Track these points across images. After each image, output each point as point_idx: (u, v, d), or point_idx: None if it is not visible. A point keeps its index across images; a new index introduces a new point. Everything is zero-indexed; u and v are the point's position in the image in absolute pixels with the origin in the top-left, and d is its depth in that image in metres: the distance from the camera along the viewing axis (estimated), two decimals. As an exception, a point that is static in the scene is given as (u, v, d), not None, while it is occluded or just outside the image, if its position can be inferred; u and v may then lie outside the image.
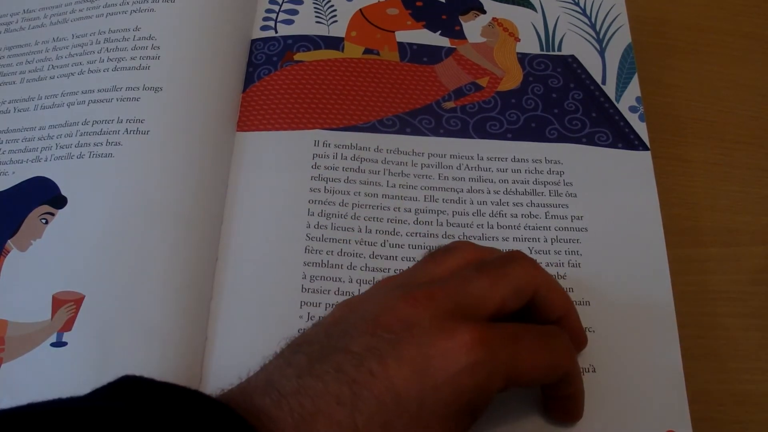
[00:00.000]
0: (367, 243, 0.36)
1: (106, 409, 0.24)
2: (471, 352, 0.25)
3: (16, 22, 0.43)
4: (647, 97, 0.42)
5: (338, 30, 0.43)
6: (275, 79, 0.41)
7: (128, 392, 0.25)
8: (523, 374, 0.27)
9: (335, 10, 0.43)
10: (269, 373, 0.27)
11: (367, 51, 0.42)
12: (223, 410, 0.24)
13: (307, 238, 0.36)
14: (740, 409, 0.35)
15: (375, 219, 0.36)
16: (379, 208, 0.37)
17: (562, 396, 0.30)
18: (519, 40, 0.43)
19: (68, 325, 0.32)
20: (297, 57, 0.41)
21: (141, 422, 0.23)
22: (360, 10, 0.43)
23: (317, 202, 0.37)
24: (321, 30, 0.43)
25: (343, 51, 0.42)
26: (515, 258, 0.30)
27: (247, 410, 0.25)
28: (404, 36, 0.43)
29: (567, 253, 0.36)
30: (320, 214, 0.36)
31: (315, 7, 0.43)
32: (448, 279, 0.28)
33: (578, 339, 0.32)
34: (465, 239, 0.36)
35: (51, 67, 0.40)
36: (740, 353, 0.36)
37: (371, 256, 0.35)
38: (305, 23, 0.43)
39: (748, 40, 0.47)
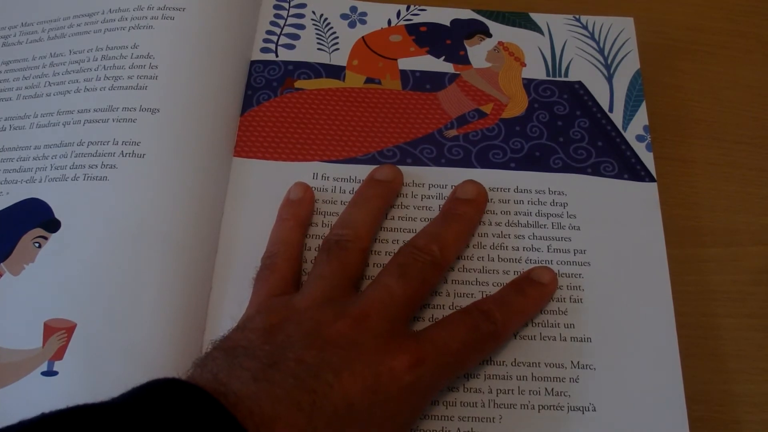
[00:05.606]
0: (366, 278, 0.35)
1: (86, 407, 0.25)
2: (413, 371, 0.29)
3: (14, 36, 0.42)
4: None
5: (339, 58, 0.42)
6: (275, 106, 0.40)
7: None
8: (464, 368, 0.32)
9: (337, 37, 0.42)
10: (215, 373, 0.27)
11: (369, 80, 0.41)
12: (201, 395, 0.25)
13: (305, 273, 0.35)
14: (740, 409, 0.35)
15: (374, 252, 0.36)
16: (378, 241, 0.36)
17: None
18: (525, 65, 0.42)
19: (59, 354, 0.32)
20: (297, 84, 0.40)
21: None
22: (362, 37, 0.42)
23: (314, 236, 0.36)
24: (322, 57, 0.42)
25: (344, 80, 0.41)
26: (415, 253, 0.33)
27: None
28: (407, 63, 0.42)
29: (569, 288, 0.35)
30: (317, 249, 0.35)
31: (317, 33, 0.42)
32: (372, 292, 0.31)
33: None
34: (465, 272, 0.35)
35: (48, 84, 0.39)
36: (740, 353, 0.36)
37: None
38: (306, 49, 0.42)
39: (748, 40, 0.46)
